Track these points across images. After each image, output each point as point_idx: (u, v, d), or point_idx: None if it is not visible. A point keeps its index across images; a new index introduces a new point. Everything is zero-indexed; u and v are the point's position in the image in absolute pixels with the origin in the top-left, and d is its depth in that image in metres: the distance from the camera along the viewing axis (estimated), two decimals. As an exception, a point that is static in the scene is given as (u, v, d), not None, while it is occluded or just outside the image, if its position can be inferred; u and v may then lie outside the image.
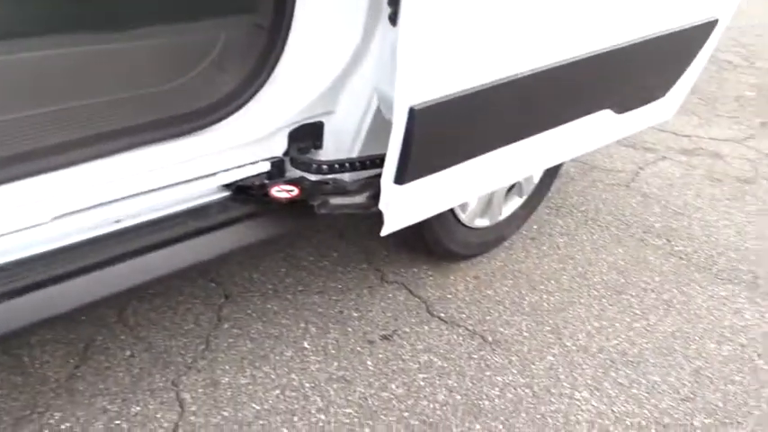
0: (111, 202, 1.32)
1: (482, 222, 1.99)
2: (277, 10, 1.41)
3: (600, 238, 2.27)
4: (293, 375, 1.57)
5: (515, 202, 2.10)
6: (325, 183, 1.51)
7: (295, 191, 1.44)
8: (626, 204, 2.51)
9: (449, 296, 1.90)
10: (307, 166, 1.49)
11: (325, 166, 1.48)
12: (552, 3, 1.34)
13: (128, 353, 1.60)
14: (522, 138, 1.52)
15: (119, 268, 1.30)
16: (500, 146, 1.48)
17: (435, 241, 1.87)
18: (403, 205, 1.39)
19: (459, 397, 1.55)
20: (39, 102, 1.44)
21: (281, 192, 1.44)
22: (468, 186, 1.54)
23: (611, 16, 1.50)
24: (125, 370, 1.55)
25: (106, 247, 1.29)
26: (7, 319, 1.16)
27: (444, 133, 1.34)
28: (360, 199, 1.48)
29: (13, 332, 1.18)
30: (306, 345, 1.67)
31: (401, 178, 1.32)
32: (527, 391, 1.59)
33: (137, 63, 1.64)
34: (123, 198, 1.34)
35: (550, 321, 1.83)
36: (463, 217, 1.91)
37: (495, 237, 2.10)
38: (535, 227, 2.30)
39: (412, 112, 1.21)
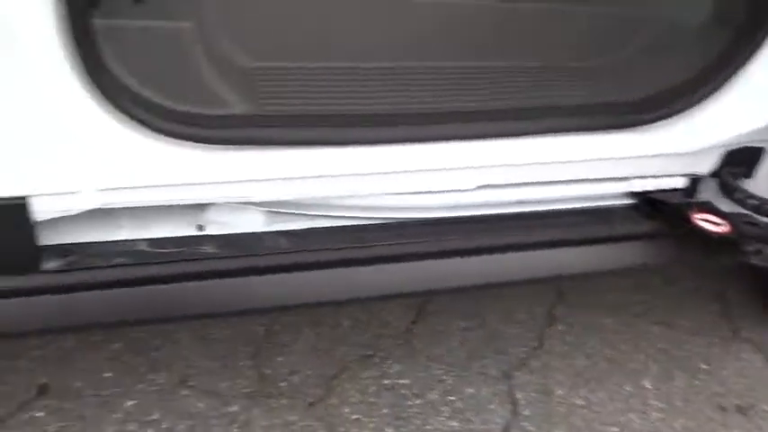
0: (521, 184, 1.22)
1: None
2: (756, 3, 1.17)
3: None
4: (632, 416, 1.39)
5: None
6: (754, 223, 1.26)
7: (726, 226, 1.21)
8: None
9: (818, 384, 1.56)
10: (743, 198, 1.24)
11: None
12: None
13: (462, 324, 1.54)
14: None
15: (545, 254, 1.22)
16: None
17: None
18: None
19: None
20: (467, 55, 1.38)
21: (706, 222, 1.22)
22: None
23: None
24: (459, 343, 1.49)
25: (514, 228, 1.21)
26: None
27: None
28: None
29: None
30: (647, 384, 1.47)
31: None
32: None
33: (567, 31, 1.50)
34: (532, 183, 1.23)
35: None
36: None
37: None
38: None
39: None
